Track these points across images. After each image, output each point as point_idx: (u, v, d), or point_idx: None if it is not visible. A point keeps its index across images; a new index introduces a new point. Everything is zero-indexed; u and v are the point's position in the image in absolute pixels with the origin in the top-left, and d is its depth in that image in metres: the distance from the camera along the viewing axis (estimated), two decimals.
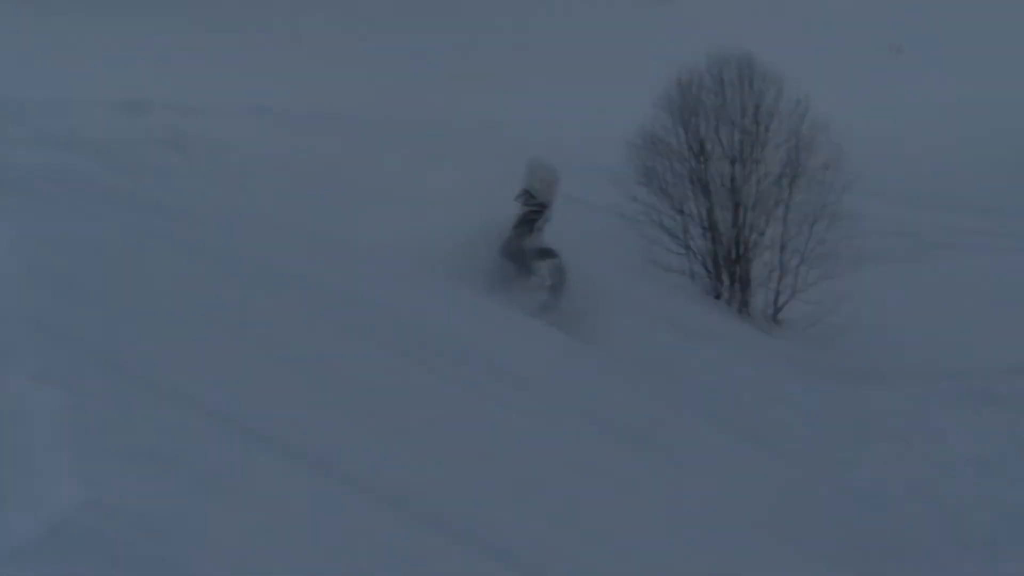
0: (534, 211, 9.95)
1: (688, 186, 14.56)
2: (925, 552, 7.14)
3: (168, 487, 3.81)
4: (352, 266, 9.01)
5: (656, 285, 13.73)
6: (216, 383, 4.87)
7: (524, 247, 9.85)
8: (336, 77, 22.03)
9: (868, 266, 14.20)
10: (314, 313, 6.75)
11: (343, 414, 5.30)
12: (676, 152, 14.58)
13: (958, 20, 29.52)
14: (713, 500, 6.66)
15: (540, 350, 8.65)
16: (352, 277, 8.43)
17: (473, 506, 4.82)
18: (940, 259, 17.61)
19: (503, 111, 20.98)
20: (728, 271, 14.63)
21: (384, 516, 4.42)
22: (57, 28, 22.22)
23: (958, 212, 20.34)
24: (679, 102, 14.61)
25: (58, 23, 22.70)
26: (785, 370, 11.57)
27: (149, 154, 9.77)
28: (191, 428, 4.36)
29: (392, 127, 18.40)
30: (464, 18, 29.78)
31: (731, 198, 14.51)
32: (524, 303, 9.50)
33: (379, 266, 9.45)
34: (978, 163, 22.51)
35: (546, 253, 9.95)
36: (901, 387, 10.50)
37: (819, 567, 6.20)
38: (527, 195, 9.94)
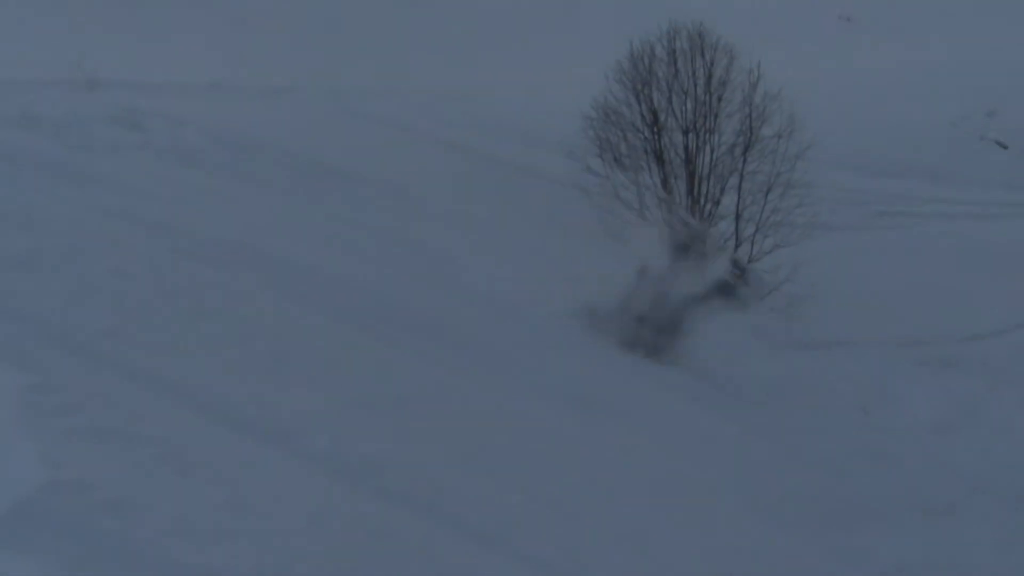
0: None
1: (643, 157, 14.56)
2: (888, 517, 7.21)
3: (130, 465, 3.81)
4: (308, 239, 9.00)
5: (609, 255, 13.73)
6: (176, 360, 4.87)
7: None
8: (289, 50, 21.85)
9: (823, 234, 14.30)
10: (270, 287, 6.75)
11: (305, 388, 5.31)
12: (630, 123, 14.58)
13: None
14: (676, 467, 6.72)
15: (498, 323, 8.68)
16: (307, 249, 8.41)
17: (437, 478, 4.85)
18: (893, 227, 17.77)
19: (459, 82, 20.90)
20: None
21: (348, 490, 4.43)
22: (4, 6, 21.89)
23: (910, 179, 20.52)
24: (632, 73, 14.60)
25: (4, 1, 22.37)
26: (743, 339, 11.64)
27: (103, 132, 9.67)
28: (152, 406, 4.35)
29: (345, 97, 18.35)
30: None
31: (685, 168, 14.53)
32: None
33: (337, 240, 9.44)
34: (929, 131, 22.70)
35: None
36: (860, 354, 10.60)
37: (782, 532, 6.26)
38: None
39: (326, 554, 3.84)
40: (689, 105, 14.55)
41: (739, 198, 14.32)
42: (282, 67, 20.18)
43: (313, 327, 6.52)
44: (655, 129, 14.56)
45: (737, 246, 14.23)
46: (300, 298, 6.83)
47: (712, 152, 14.47)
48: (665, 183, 14.51)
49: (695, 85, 14.55)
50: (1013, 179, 21.27)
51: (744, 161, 14.35)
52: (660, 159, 14.55)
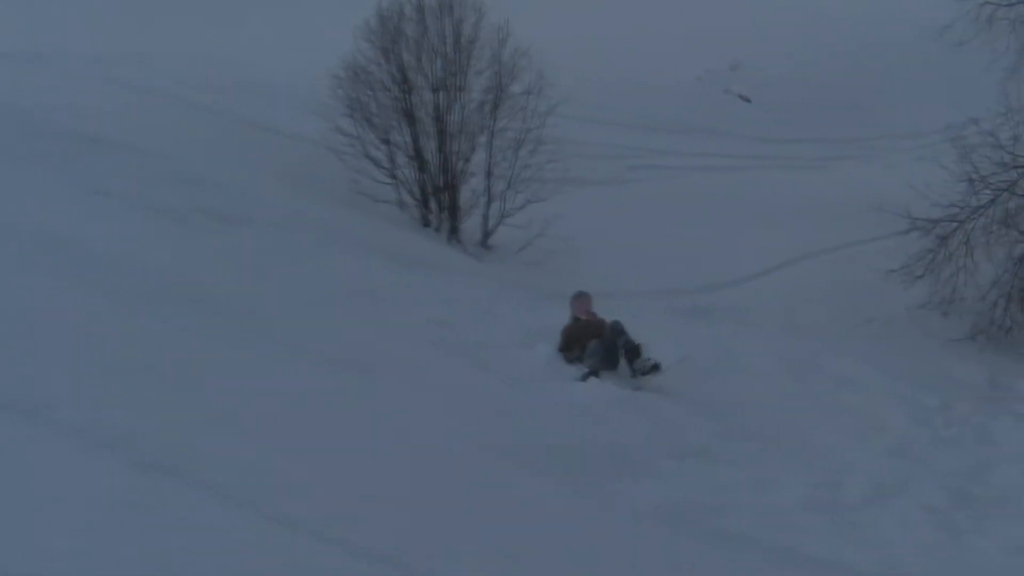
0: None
1: (393, 116, 14.56)
2: (645, 462, 7.50)
3: None
4: (55, 207, 8.77)
5: (365, 216, 13.81)
6: None
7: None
8: (37, 15, 20.86)
9: (575, 189, 14.70)
10: (14, 257, 6.58)
11: (53, 361, 5.23)
12: (380, 82, 14.52)
13: None
14: (438, 424, 6.86)
15: (251, 285, 8.66)
16: (54, 218, 8.21)
17: (194, 445, 4.87)
18: (644, 180, 18.38)
19: (207, 44, 20.41)
20: (436, 199, 14.79)
21: (100, 461, 4.42)
22: None
23: (660, 134, 21.22)
24: (381, 32, 14.58)
25: None
26: (498, 294, 11.90)
27: None
28: None
29: (95, 63, 17.74)
30: None
31: (436, 126, 14.63)
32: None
33: (84, 207, 9.22)
34: (676, 86, 23.53)
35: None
36: (614, 305, 10.98)
37: (542, 483, 6.44)
38: (576, 319, 10.59)
39: (78, 527, 3.83)
40: (439, 63, 14.60)
41: (490, 155, 14.54)
42: (30, 32, 19.31)
43: (60, 297, 6.40)
44: (405, 88, 14.60)
45: (489, 203, 14.51)
46: (47, 268, 6.68)
47: (462, 110, 14.60)
48: (416, 141, 14.63)
49: (444, 43, 14.64)
50: (758, 131, 22.33)
51: (494, 118, 14.53)
52: (410, 118, 14.61)
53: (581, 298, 10.66)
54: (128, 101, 15.26)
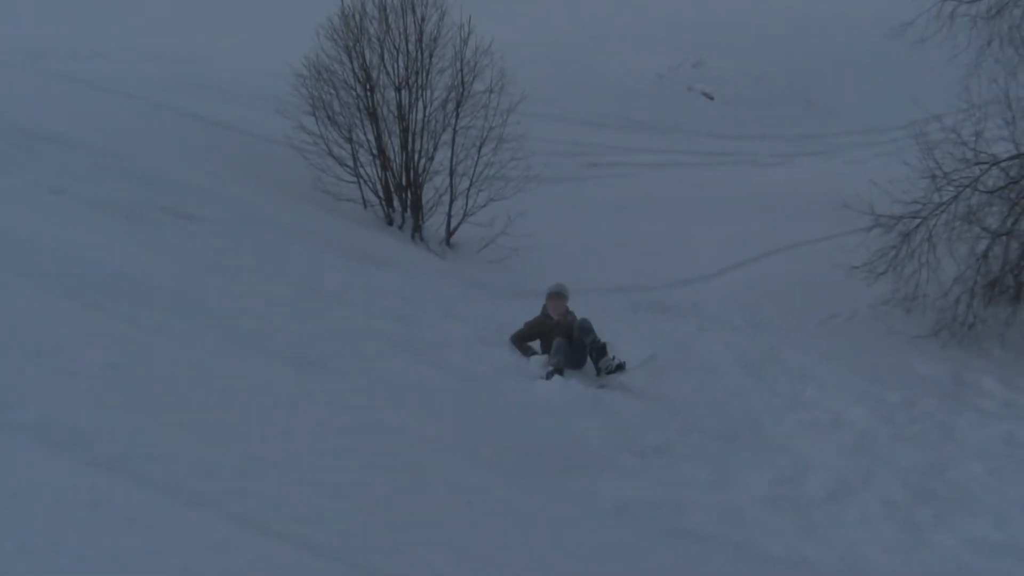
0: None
1: (356, 114, 14.49)
2: (606, 460, 7.47)
3: None
4: (9, 207, 8.67)
5: (328, 214, 13.73)
6: None
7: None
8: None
9: (537, 187, 14.66)
10: None
11: (8, 359, 5.15)
12: (342, 81, 14.44)
13: None
14: (395, 422, 6.80)
15: (209, 284, 8.57)
16: (8, 218, 8.10)
17: (150, 444, 4.79)
18: (605, 177, 18.39)
19: (167, 41, 20.29)
20: (400, 197, 14.74)
21: (57, 461, 4.35)
22: None
23: (621, 131, 21.24)
24: (343, 30, 14.49)
25: None
26: (460, 292, 11.85)
27: None
28: None
29: (47, 59, 17.58)
30: None
31: (399, 124, 14.57)
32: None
33: (41, 207, 9.11)
34: (637, 83, 23.57)
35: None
36: (577, 302, 10.96)
37: (502, 481, 6.40)
38: (544, 309, 10.56)
39: (35, 528, 3.76)
40: (401, 61, 14.55)
41: (453, 153, 14.49)
42: None
43: (14, 297, 6.30)
44: (368, 86, 14.53)
45: (452, 201, 14.46)
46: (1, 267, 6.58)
47: (425, 108, 14.55)
48: (379, 140, 14.56)
49: (407, 41, 14.57)
50: (719, 128, 22.40)
51: (457, 116, 14.49)
52: (373, 116, 14.54)
53: (557, 299, 10.56)
54: (85, 99, 15.09)
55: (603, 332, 10.23)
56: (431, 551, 4.80)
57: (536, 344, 10.33)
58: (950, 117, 13.35)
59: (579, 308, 10.60)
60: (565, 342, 9.96)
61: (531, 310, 10.65)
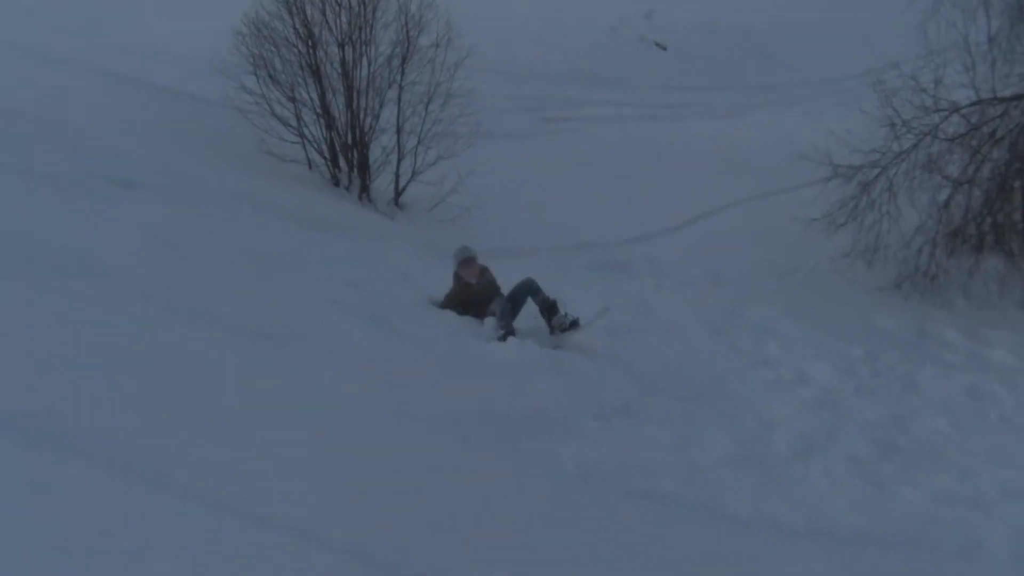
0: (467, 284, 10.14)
1: (298, 72, 14.32)
2: (566, 423, 7.46)
3: None
4: None
5: (273, 177, 13.60)
6: None
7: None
8: None
9: (488, 144, 14.60)
10: None
11: None
12: (284, 38, 14.24)
13: None
14: (348, 391, 6.76)
15: (152, 254, 8.46)
16: None
17: (96, 422, 4.74)
18: (558, 132, 18.34)
19: (104, 5, 19.93)
20: (346, 157, 14.63)
21: (5, 441, 4.32)
22: None
23: (573, 85, 21.18)
24: None
25: None
26: (410, 255, 11.79)
27: None
28: None
29: None
30: None
31: (343, 82, 14.43)
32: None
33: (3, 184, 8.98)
34: (588, 36, 23.48)
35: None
36: (531, 262, 10.95)
37: (460, 448, 6.38)
38: (457, 277, 10.24)
39: None
40: (344, 17, 14.37)
41: (399, 110, 14.38)
42: None
43: None
44: (310, 43, 14.35)
45: (400, 160, 14.36)
46: None
47: (369, 64, 14.40)
48: (323, 98, 14.42)
49: None
50: (673, 79, 22.40)
51: (403, 72, 14.37)
52: (316, 74, 14.39)
53: (470, 264, 10.28)
54: (12, 64, 14.80)
55: (558, 292, 10.21)
56: (389, 521, 4.82)
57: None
58: (908, 64, 13.39)
59: (533, 267, 10.57)
60: (506, 301, 9.89)
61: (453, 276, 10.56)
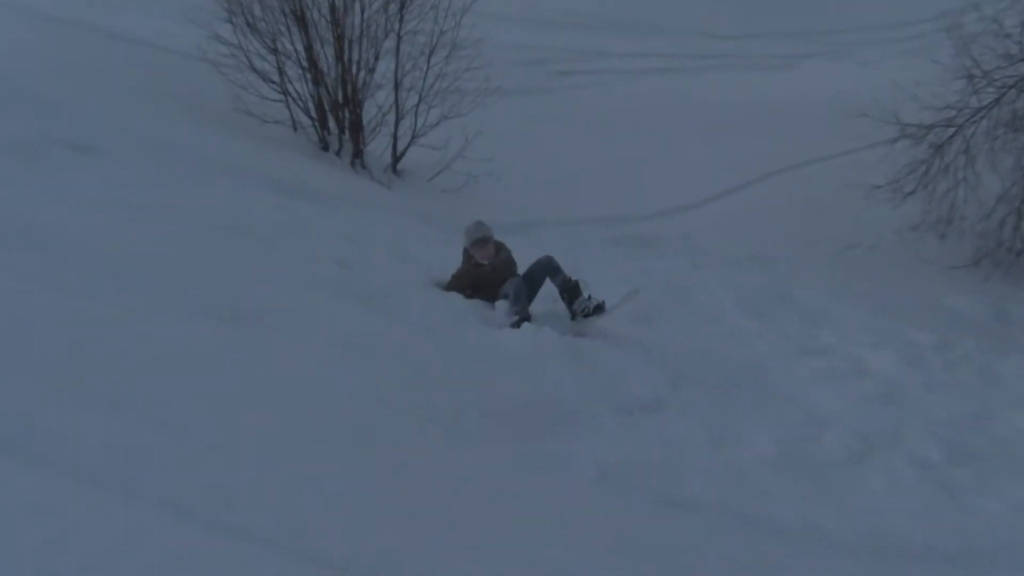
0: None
1: (281, 19, 14.34)
2: (586, 419, 7.39)
3: None
4: None
5: (251, 140, 13.61)
6: None
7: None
8: None
9: (497, 101, 14.57)
10: None
11: None
12: None
13: None
14: (335, 380, 6.78)
15: (115, 228, 8.48)
16: None
17: (38, 416, 4.76)
18: (575, 87, 18.28)
19: None
20: (336, 118, 14.65)
21: None
22: None
23: (592, 32, 21.09)
24: None
25: None
26: (410, 229, 11.79)
27: None
28: None
29: None
30: None
31: (333, 31, 14.43)
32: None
33: None
34: None
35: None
36: (547, 237, 10.94)
37: (466, 447, 6.38)
38: (468, 256, 10.29)
39: None
40: None
41: (397, 64, 14.40)
42: None
43: None
44: None
45: (398, 120, 14.36)
46: None
47: (363, 11, 14.40)
48: (309, 49, 14.41)
49: None
50: (707, 26, 22.28)
51: (401, 19, 14.38)
52: (302, 21, 14.39)
53: (483, 244, 10.29)
54: None
55: (579, 272, 10.20)
56: (381, 530, 4.81)
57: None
58: (990, 5, 13.26)
59: (550, 244, 10.55)
60: (520, 283, 9.89)
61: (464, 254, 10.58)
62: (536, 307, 10.04)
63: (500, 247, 10.31)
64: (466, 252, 10.29)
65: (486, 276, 10.07)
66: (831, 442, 7.74)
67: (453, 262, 10.26)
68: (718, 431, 7.65)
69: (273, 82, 14.25)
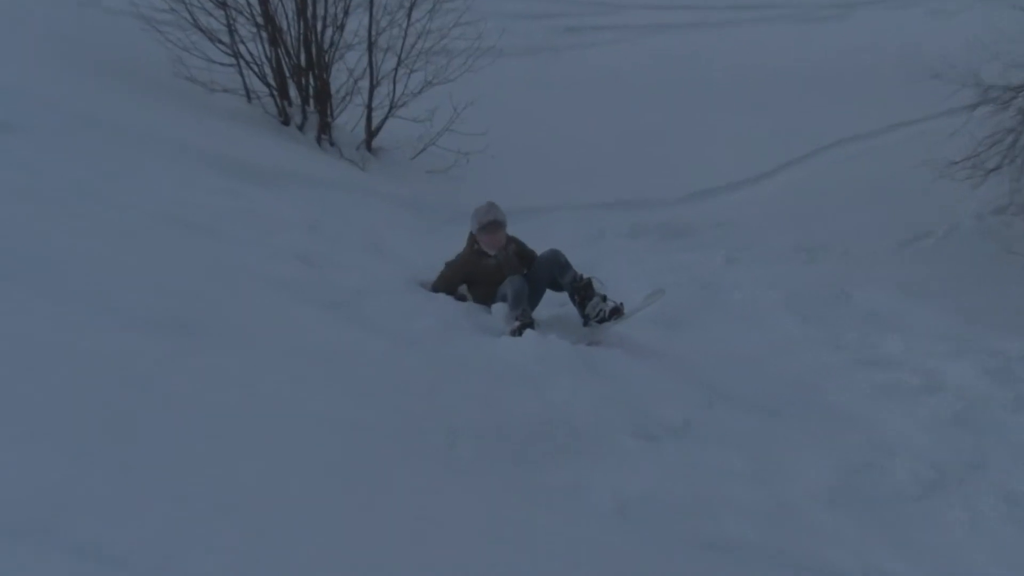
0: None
1: None
2: (605, 444, 7.47)
3: None
4: None
5: (195, 112, 13.63)
6: None
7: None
8: None
9: (492, 63, 14.59)
10: None
11: None
12: None
13: None
14: (295, 399, 6.79)
15: (29, 218, 8.52)
16: None
17: None
18: (587, 47, 18.29)
19: None
20: (298, 85, 14.68)
21: None
22: None
23: None
24: None
25: None
26: (390, 216, 11.81)
27: None
28: None
29: None
30: None
31: None
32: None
33: None
34: None
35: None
36: (561, 227, 10.94)
37: (460, 479, 6.41)
38: (472, 244, 10.35)
39: None
40: None
41: (372, 19, 14.42)
42: None
43: None
44: None
45: (373, 88, 14.38)
46: None
47: None
48: (265, 3, 14.43)
49: None
50: None
51: None
52: None
53: (495, 230, 10.32)
54: None
55: (593, 268, 10.23)
56: None
57: (465, 290, 10.30)
58: None
59: (556, 235, 10.56)
60: (521, 281, 9.89)
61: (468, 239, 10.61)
62: (541, 311, 10.07)
63: (511, 241, 10.35)
64: (471, 238, 10.31)
65: (488, 270, 10.10)
66: (898, 472, 7.77)
67: (439, 257, 10.29)
68: (761, 460, 7.68)
69: (222, 42, 14.26)
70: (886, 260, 12.37)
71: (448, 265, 10.19)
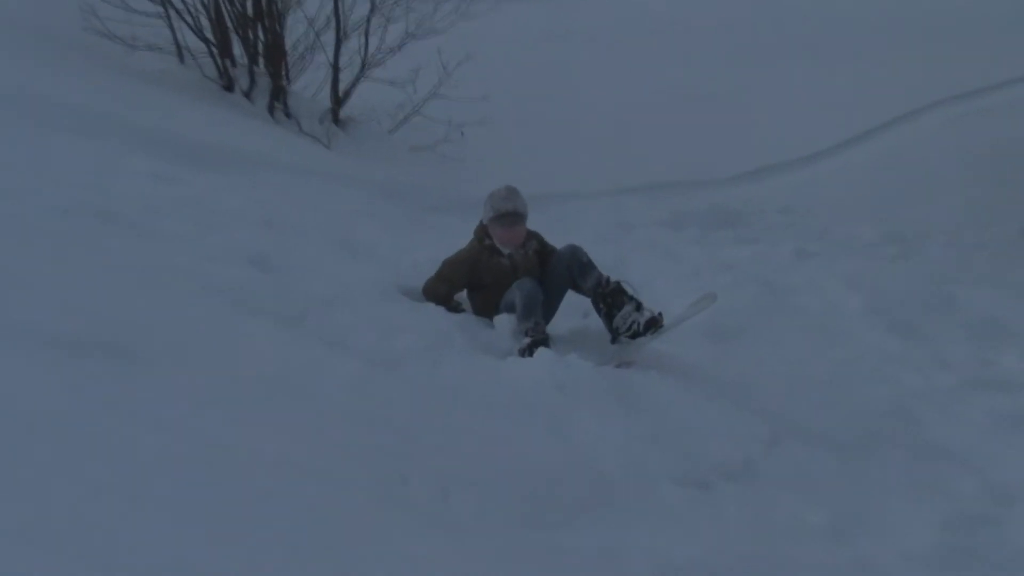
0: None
1: None
2: (640, 492, 7.43)
3: None
4: None
5: (113, 77, 13.64)
6: None
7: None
8: None
9: (488, 9, 14.63)
10: None
11: None
12: None
13: None
14: (246, 437, 6.77)
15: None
16: None
17: None
18: None
19: None
20: (245, 39, 14.69)
21: None
22: None
23: None
24: None
25: None
26: (362, 205, 11.82)
27: None
28: None
29: None
30: None
31: None
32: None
33: None
34: None
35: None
36: (584, 216, 10.94)
37: (432, 531, 6.40)
38: (480, 237, 10.45)
39: None
40: None
41: None
42: None
43: None
44: None
45: (339, 44, 14.37)
46: None
47: None
48: None
49: None
50: None
51: None
52: None
53: (512, 220, 10.39)
54: None
55: (620, 269, 10.23)
56: None
57: (463, 297, 10.30)
58: None
59: (573, 227, 10.59)
60: (533, 286, 9.87)
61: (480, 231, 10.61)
62: (558, 324, 10.07)
63: (531, 238, 10.35)
64: (481, 229, 10.30)
65: (498, 273, 10.13)
66: (1019, 525, 7.73)
67: (426, 256, 10.32)
68: (843, 511, 7.67)
69: (161, 15, 14.29)
70: (1001, 254, 12.37)
71: (447, 263, 10.17)
